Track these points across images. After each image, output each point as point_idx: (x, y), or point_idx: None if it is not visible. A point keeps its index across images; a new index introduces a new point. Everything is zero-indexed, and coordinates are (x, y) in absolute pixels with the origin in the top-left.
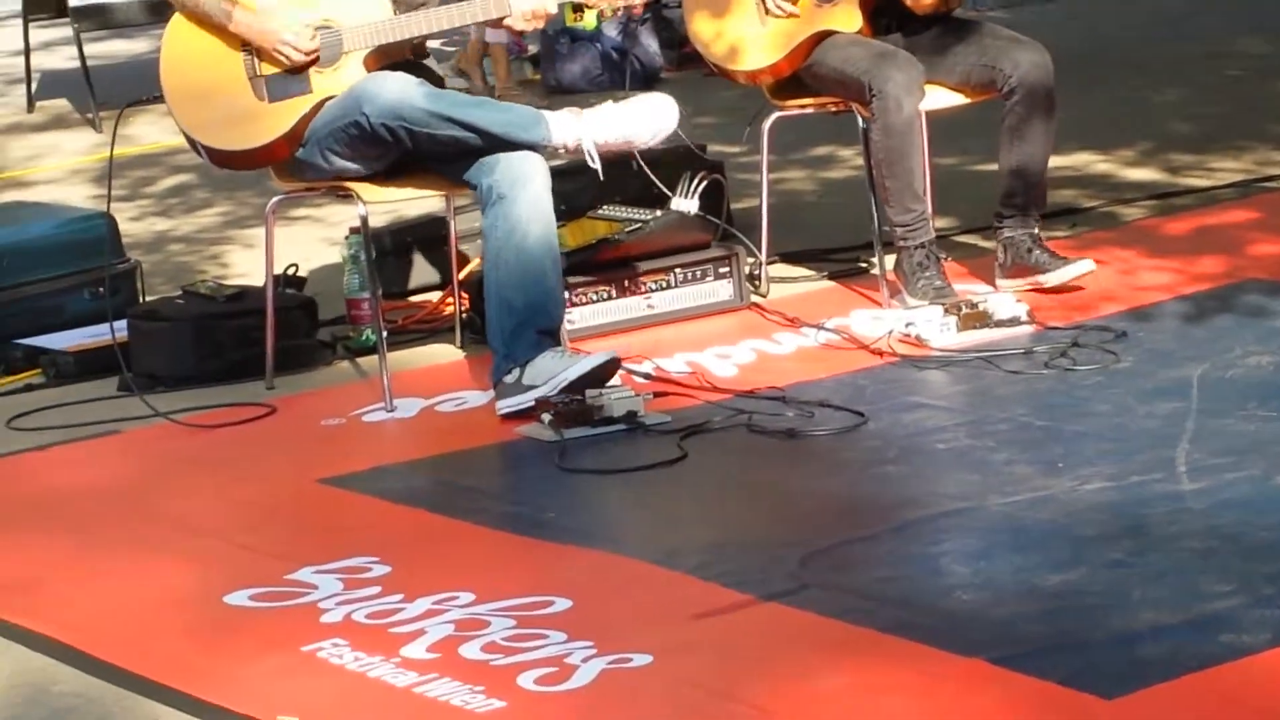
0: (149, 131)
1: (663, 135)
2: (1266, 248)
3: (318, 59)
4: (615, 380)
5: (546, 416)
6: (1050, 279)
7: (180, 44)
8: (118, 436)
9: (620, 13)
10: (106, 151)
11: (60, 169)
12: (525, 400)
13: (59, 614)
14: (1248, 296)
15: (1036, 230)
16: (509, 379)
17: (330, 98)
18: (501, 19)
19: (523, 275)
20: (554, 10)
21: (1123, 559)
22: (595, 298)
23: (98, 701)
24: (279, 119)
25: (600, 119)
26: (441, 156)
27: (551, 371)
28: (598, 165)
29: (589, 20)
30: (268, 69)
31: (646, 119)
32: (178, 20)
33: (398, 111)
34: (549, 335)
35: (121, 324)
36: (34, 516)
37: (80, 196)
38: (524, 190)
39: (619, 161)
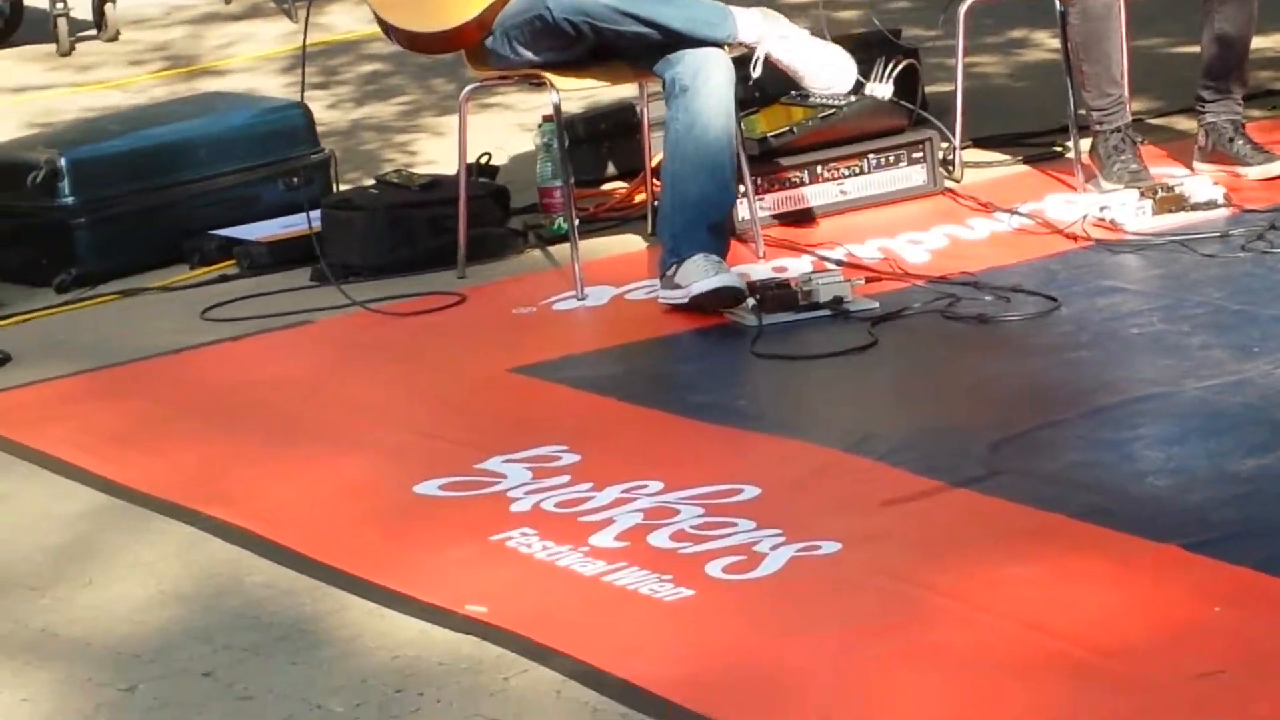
0: (342, 20)
1: (832, 94)
2: None
3: None
4: (808, 268)
5: (751, 301)
6: (1251, 173)
7: None
8: (310, 326)
9: None
10: (300, 40)
11: (255, 58)
12: (674, 298)
13: (251, 504)
14: None
15: (1239, 114)
16: (669, 272)
17: None
18: None
19: (699, 169)
20: None
21: None
22: (788, 184)
23: (289, 592)
24: (467, 4)
25: (786, 39)
26: (626, 50)
27: (690, 278)
28: (757, 73)
29: None
30: None
31: (827, 68)
32: None
33: (581, 7)
34: (717, 231)
35: (315, 214)
36: (227, 407)
37: (274, 86)
38: (706, 84)
39: None
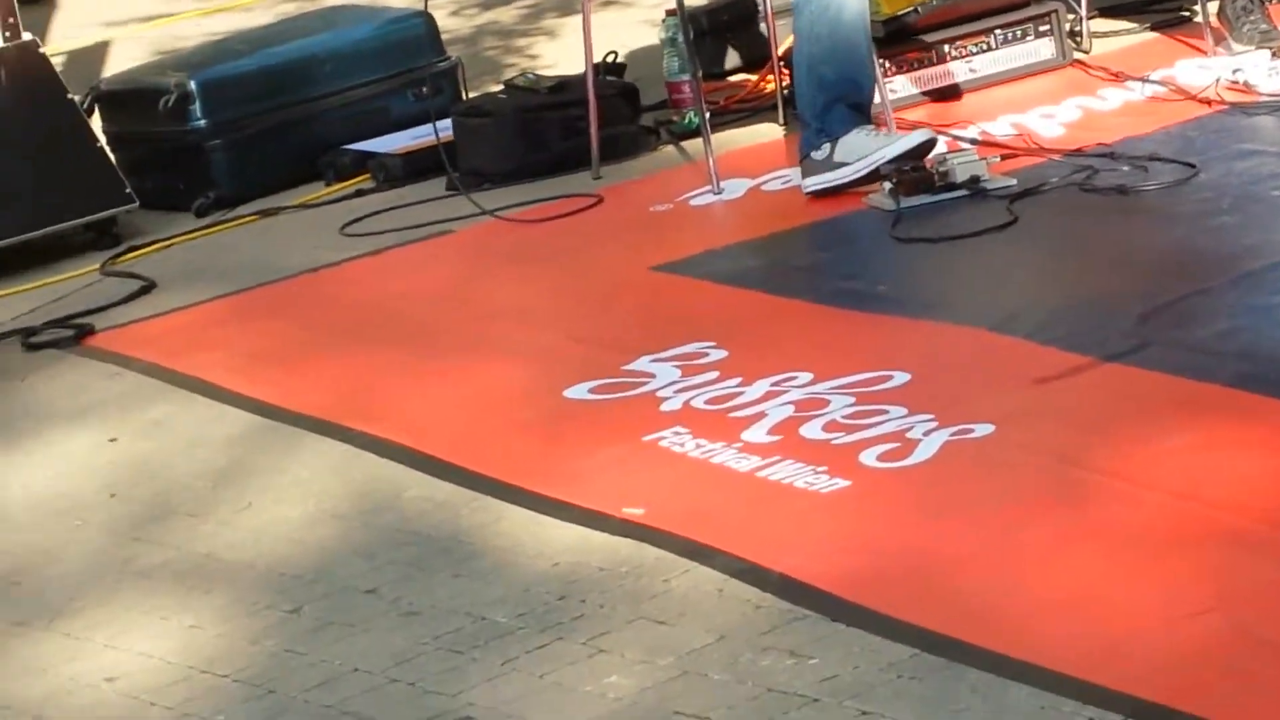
0: None
1: None
2: None
3: None
4: (943, 149)
5: (887, 185)
6: None
7: None
8: (449, 237)
9: None
10: None
11: None
12: (835, 179)
13: (402, 419)
14: None
15: None
16: (818, 155)
17: None
18: None
19: (835, 49)
20: None
21: None
22: (916, 65)
23: (445, 505)
24: None
25: None
26: None
27: (865, 149)
28: None
29: None
30: None
31: None
32: None
33: None
34: (860, 110)
35: (446, 123)
36: (371, 322)
37: None
38: None
39: None
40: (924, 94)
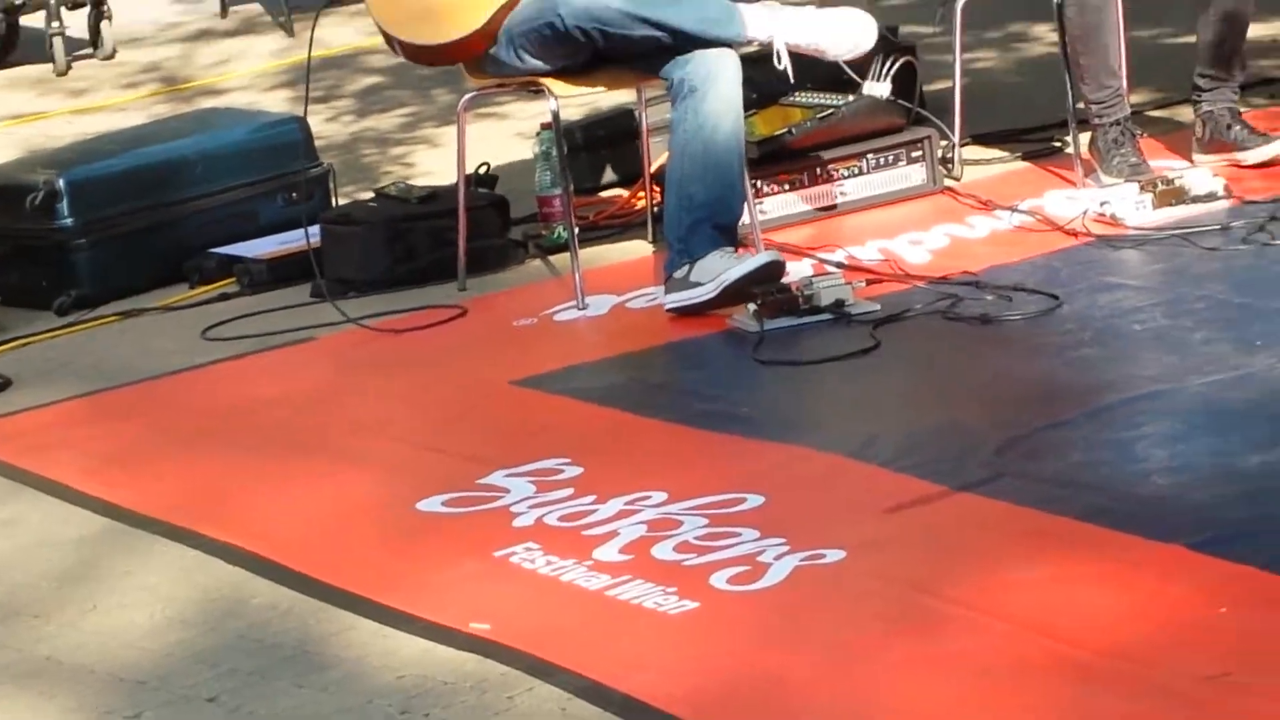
0: (340, 33)
1: (858, 53)
2: None
3: None
4: (808, 271)
5: (751, 306)
6: (1249, 156)
7: None
8: (311, 343)
9: None
10: (296, 55)
11: (251, 74)
12: (691, 298)
13: (254, 525)
14: None
15: (1236, 102)
16: (679, 274)
17: None
18: None
19: (706, 170)
20: None
21: None
22: (787, 186)
23: (293, 613)
24: (473, 14)
25: (797, 21)
26: (635, 54)
27: (716, 270)
28: (786, 65)
29: None
30: None
31: (844, 33)
32: None
33: (592, 13)
34: (726, 232)
35: (315, 229)
36: (228, 427)
37: (272, 101)
38: (715, 85)
39: None
40: (795, 215)
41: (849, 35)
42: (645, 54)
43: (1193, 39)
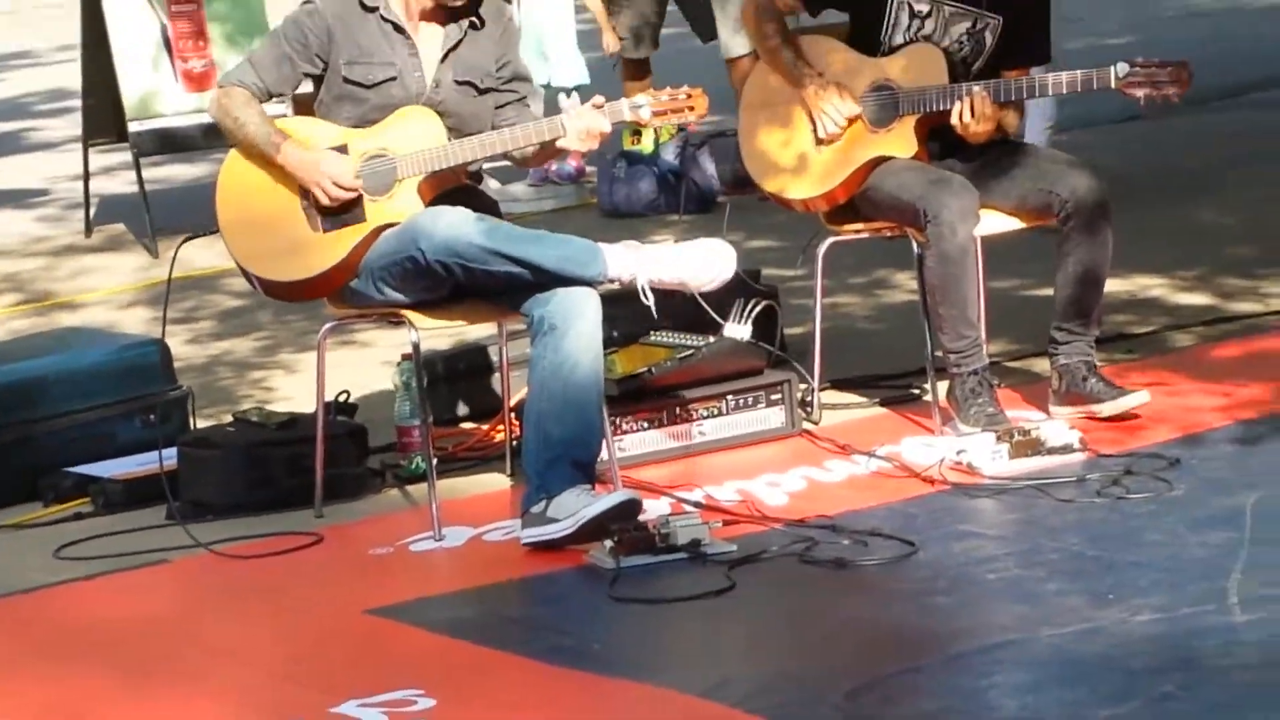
0: (202, 256)
1: (719, 283)
2: None
3: (359, 197)
4: (665, 509)
5: (608, 543)
6: (1105, 409)
7: (237, 174)
8: (165, 566)
9: (676, 135)
10: (159, 274)
11: (113, 293)
12: (547, 534)
13: None
14: None
15: (1092, 356)
16: (535, 509)
17: (385, 226)
18: (555, 140)
19: (565, 408)
20: (608, 129)
21: (1174, 692)
22: (646, 425)
23: None
24: (332, 249)
25: (658, 257)
26: (496, 290)
27: (573, 507)
28: (650, 302)
29: (646, 143)
30: None
31: (705, 264)
32: (236, 152)
33: (453, 248)
34: (583, 469)
35: (172, 451)
36: (80, 647)
37: (132, 320)
38: (575, 324)
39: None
40: (654, 454)
41: (709, 267)
42: (507, 289)
43: (1050, 291)
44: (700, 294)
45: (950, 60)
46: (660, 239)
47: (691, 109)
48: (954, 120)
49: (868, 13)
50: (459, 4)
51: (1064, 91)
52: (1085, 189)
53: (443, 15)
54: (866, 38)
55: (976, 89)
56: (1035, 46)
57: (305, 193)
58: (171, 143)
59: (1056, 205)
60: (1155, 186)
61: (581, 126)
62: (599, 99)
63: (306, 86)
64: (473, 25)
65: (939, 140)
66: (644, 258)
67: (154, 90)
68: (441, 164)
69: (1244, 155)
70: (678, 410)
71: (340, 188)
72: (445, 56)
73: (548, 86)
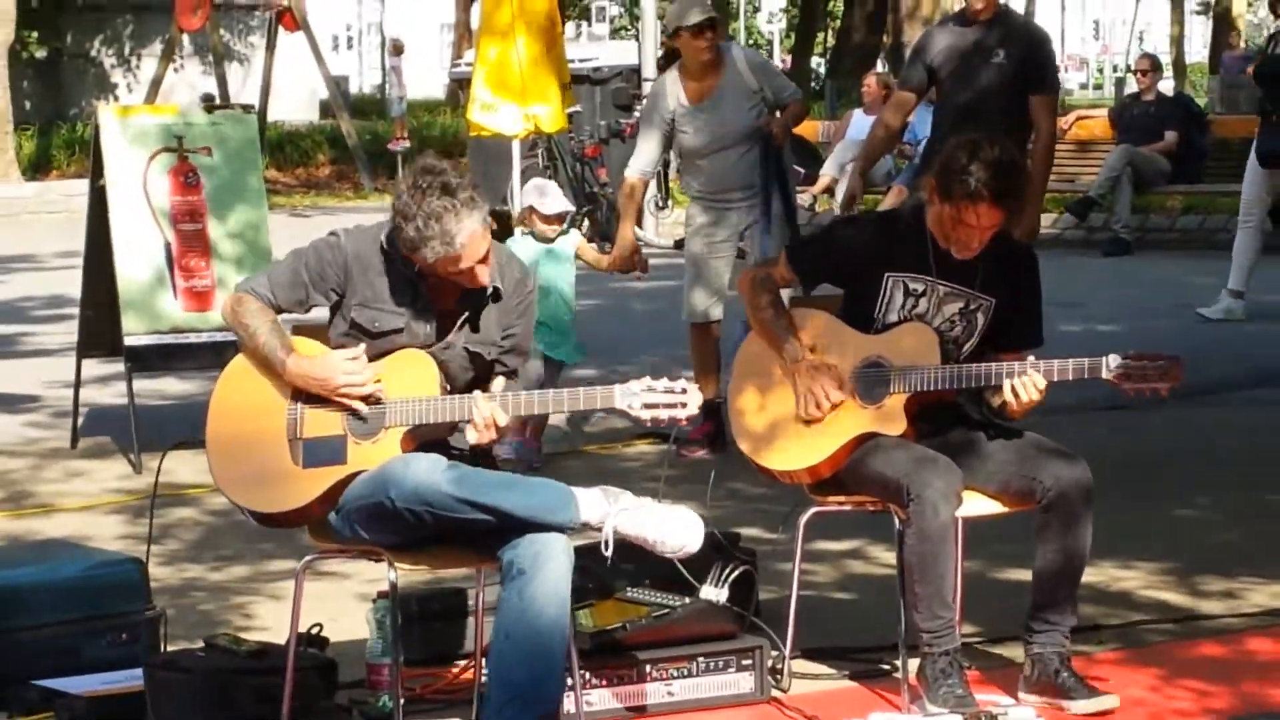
0: (186, 472)
1: (685, 553)
2: None
3: (380, 400)
4: None
5: None
6: (1074, 707)
7: (230, 393)
8: None
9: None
10: (141, 488)
11: (93, 503)
12: None
13: None
14: None
15: (1066, 648)
16: None
17: (363, 471)
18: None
19: (529, 654)
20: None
21: None
22: (616, 680)
23: None
24: (308, 487)
25: (631, 512)
26: (469, 535)
27: None
28: (609, 553)
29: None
30: (310, 431)
31: (675, 532)
32: (234, 367)
33: (422, 495)
34: (549, 718)
35: (136, 671)
36: None
37: (110, 532)
38: (543, 570)
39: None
40: (621, 711)
41: (678, 535)
42: (478, 534)
43: (1027, 573)
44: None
45: (942, 340)
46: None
47: (684, 404)
48: (1007, 395)
49: (863, 289)
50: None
51: (1055, 379)
52: (1069, 479)
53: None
54: (860, 313)
55: (1031, 365)
56: (1027, 331)
57: (294, 423)
58: (165, 363)
59: (1039, 493)
60: (1137, 476)
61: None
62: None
63: (322, 313)
64: (495, 293)
65: (925, 419)
66: (617, 508)
67: (153, 306)
68: (431, 418)
69: (1229, 453)
70: (649, 668)
71: (359, 378)
72: (461, 325)
73: None
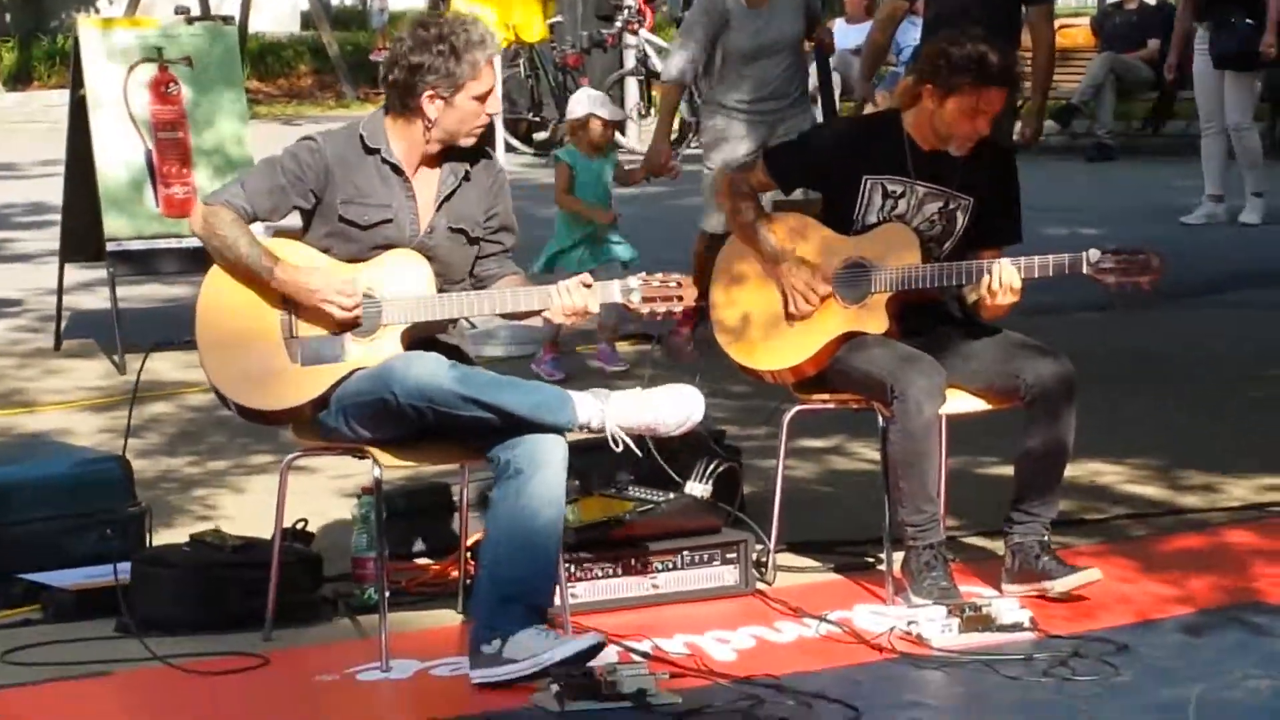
0: (169, 371)
1: (689, 425)
2: (1270, 571)
3: (359, 321)
4: (613, 658)
5: (554, 686)
6: (1056, 586)
7: (219, 293)
8: (110, 678)
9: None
10: (125, 388)
11: (78, 403)
12: (503, 674)
13: None
14: (1251, 618)
15: (1046, 536)
16: (487, 649)
17: (362, 368)
18: (541, 312)
19: (523, 552)
20: (595, 310)
21: None
22: (600, 574)
23: None
24: (308, 384)
25: (626, 404)
26: (465, 433)
27: (533, 649)
28: (625, 445)
29: None
30: (305, 330)
31: (673, 408)
32: (218, 268)
33: (426, 393)
34: (537, 612)
35: (125, 566)
36: None
37: (94, 429)
38: (541, 471)
39: (635, 441)
40: (606, 602)
41: (678, 410)
42: (475, 433)
43: (1010, 470)
44: (670, 437)
45: (922, 239)
46: (628, 386)
47: (680, 298)
48: (983, 291)
49: (841, 192)
50: (471, 141)
51: (1035, 275)
52: (1051, 375)
53: (438, 163)
54: (840, 216)
55: (1007, 263)
56: (1006, 228)
57: (288, 322)
58: (148, 266)
59: (1022, 389)
60: (1122, 375)
61: (569, 303)
62: (587, 278)
63: (292, 219)
64: (466, 177)
65: (910, 318)
66: (613, 404)
67: (134, 213)
68: (427, 315)
69: (1213, 352)
70: (634, 561)
71: (346, 299)
72: (440, 205)
73: None
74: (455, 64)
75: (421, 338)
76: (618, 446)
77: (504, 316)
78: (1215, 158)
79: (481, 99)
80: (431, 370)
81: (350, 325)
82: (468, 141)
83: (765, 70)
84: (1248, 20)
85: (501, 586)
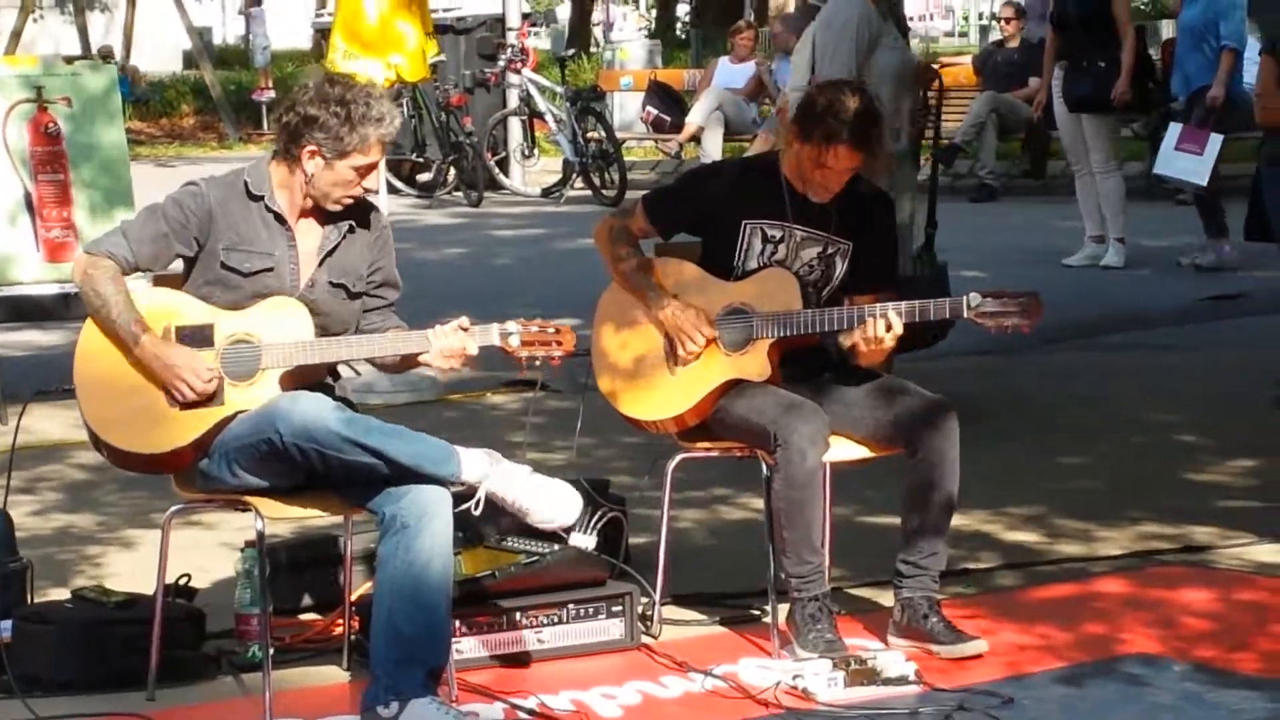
0: (50, 426)
1: (557, 526)
2: (1145, 620)
3: (212, 397)
4: (499, 717)
5: None
6: (942, 652)
7: (99, 335)
8: None
9: (540, 362)
10: (3, 440)
11: None
12: None
13: None
14: (1129, 669)
15: (935, 593)
16: (385, 711)
17: (242, 412)
18: (418, 355)
19: (417, 608)
20: (474, 352)
21: None
22: (485, 628)
23: None
24: (187, 427)
25: (510, 477)
26: (349, 480)
27: None
28: (478, 512)
29: None
30: None
31: (551, 504)
32: None
33: (310, 432)
34: (435, 675)
35: (6, 624)
36: None
37: None
38: (429, 524)
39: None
40: (491, 658)
41: (552, 507)
42: (360, 481)
43: (897, 519)
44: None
45: (802, 284)
46: (517, 454)
47: (559, 343)
48: (870, 333)
49: (722, 238)
50: (340, 208)
51: (916, 319)
52: (935, 423)
53: (323, 216)
54: (720, 261)
55: (889, 306)
56: (883, 273)
57: None
58: (25, 311)
59: (904, 436)
60: (1003, 421)
61: (446, 345)
62: (464, 321)
63: (175, 266)
64: (350, 229)
65: (792, 364)
66: (497, 471)
67: (11, 256)
68: (307, 359)
69: (1091, 396)
70: (518, 616)
71: (200, 382)
72: (323, 260)
73: None
74: (348, 131)
75: (301, 385)
76: (476, 510)
77: (382, 368)
78: (1090, 199)
79: (362, 172)
80: (317, 410)
81: (193, 406)
82: (334, 207)
83: None
84: (1100, 64)
85: (399, 646)
